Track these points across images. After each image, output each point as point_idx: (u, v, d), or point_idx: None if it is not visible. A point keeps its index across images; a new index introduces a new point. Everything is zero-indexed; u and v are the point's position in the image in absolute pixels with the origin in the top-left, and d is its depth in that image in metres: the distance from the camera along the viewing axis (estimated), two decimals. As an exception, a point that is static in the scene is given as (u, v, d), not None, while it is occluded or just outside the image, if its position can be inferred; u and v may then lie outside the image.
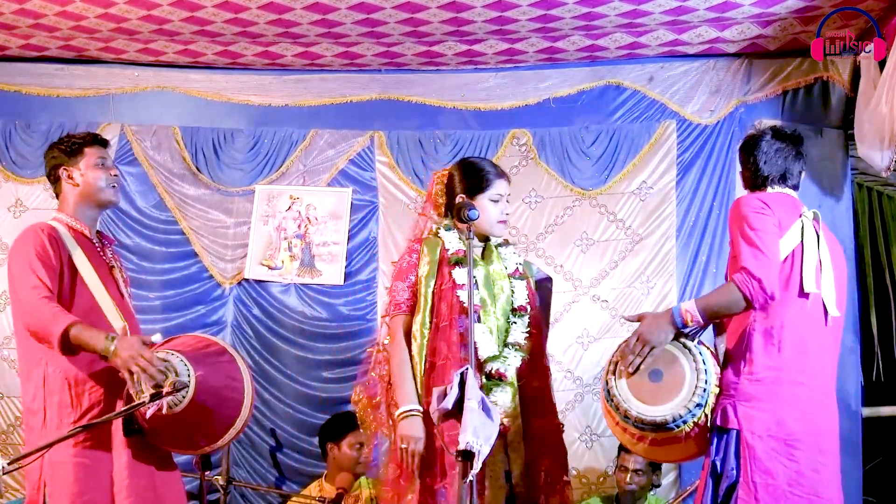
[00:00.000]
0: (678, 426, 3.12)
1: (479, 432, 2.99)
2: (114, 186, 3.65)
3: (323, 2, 4.77)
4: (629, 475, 4.69)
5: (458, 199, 3.60)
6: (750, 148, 3.46)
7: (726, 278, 3.37)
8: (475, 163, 3.72)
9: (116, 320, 3.49)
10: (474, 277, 3.45)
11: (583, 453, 5.25)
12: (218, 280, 5.54)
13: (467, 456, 2.95)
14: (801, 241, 3.26)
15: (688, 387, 3.14)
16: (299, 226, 5.56)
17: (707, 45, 5.26)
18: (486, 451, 3.01)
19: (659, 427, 3.13)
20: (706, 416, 3.16)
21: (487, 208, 3.59)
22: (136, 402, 3.22)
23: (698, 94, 5.42)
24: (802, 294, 3.21)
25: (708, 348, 3.28)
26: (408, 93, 5.63)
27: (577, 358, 5.35)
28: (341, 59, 5.47)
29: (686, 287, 5.29)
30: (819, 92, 5.31)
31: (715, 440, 3.17)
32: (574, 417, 5.27)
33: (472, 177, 3.64)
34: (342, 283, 5.49)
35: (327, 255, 5.52)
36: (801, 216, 3.30)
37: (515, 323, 3.60)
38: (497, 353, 3.52)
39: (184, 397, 3.27)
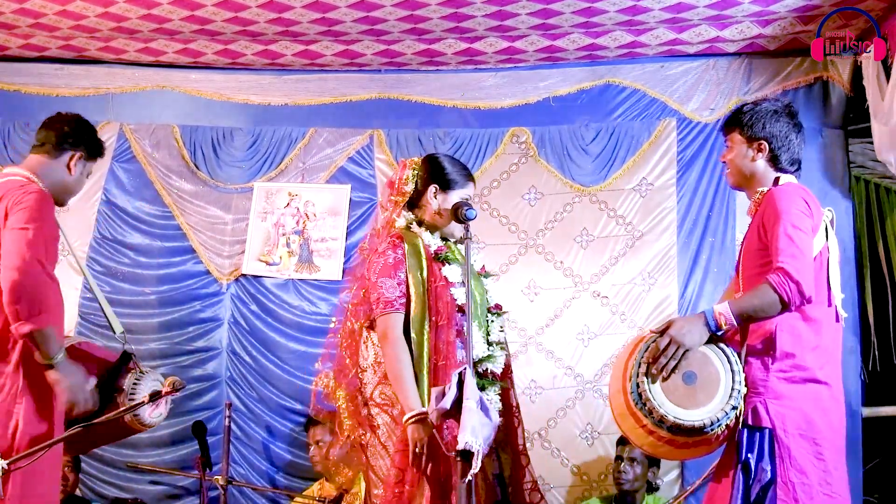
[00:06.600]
0: (713, 430, 3.02)
1: (477, 432, 3.00)
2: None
3: (323, 0, 4.77)
4: (623, 464, 4.71)
5: (457, 200, 3.53)
6: (779, 121, 3.31)
7: (737, 268, 3.35)
8: (455, 160, 3.70)
9: None
10: (462, 276, 3.44)
11: (584, 450, 5.24)
12: (215, 276, 5.53)
13: (466, 456, 2.95)
14: (827, 241, 3.21)
15: (724, 389, 3.03)
16: (297, 222, 5.56)
17: (707, 45, 5.25)
18: (485, 450, 3.02)
19: (695, 431, 3.02)
20: (736, 416, 3.06)
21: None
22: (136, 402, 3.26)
23: (698, 93, 5.41)
24: (829, 294, 3.18)
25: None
26: (407, 92, 5.63)
27: (578, 354, 5.34)
28: (341, 58, 5.47)
29: (687, 284, 5.28)
30: (819, 92, 5.30)
31: (745, 439, 3.07)
32: (574, 414, 5.27)
33: (451, 172, 3.59)
34: (341, 278, 5.48)
35: (325, 251, 5.52)
36: (823, 215, 3.25)
37: (493, 322, 3.56)
38: (489, 353, 3.48)
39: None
